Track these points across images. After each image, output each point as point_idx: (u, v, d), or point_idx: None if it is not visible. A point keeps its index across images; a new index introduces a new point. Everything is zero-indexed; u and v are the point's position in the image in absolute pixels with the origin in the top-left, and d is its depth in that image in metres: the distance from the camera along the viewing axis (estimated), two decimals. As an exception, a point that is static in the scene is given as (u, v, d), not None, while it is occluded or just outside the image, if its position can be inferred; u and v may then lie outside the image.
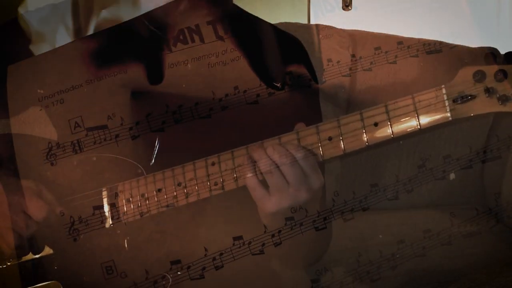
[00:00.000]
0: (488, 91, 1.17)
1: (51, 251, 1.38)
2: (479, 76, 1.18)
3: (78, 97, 1.37)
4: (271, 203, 1.28)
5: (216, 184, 1.31)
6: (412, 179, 1.36)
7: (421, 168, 1.36)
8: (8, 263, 1.38)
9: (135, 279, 1.31)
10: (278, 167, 1.26)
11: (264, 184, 1.29)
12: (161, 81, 1.38)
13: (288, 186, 1.26)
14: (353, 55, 1.50)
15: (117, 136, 1.33)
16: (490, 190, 1.71)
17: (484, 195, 1.76)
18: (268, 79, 1.36)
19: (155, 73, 1.38)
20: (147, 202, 1.34)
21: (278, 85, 1.37)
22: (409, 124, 1.22)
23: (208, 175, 1.31)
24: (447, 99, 1.19)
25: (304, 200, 1.27)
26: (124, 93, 1.37)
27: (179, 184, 1.32)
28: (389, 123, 1.23)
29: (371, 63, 1.40)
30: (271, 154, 1.27)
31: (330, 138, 1.27)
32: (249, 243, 1.31)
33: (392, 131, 1.23)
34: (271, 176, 1.27)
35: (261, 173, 1.28)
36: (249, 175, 1.28)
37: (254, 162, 1.28)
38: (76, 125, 1.33)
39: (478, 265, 1.63)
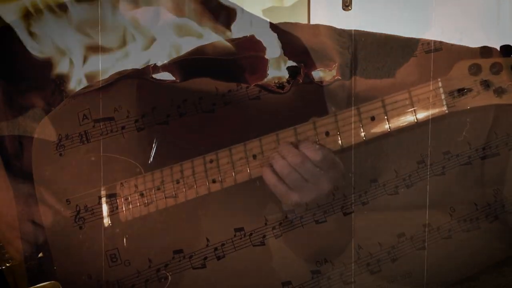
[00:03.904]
0: (484, 83, 1.19)
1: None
2: (475, 69, 1.19)
3: (88, 92, 1.39)
4: (296, 198, 1.28)
5: (214, 181, 1.32)
6: (411, 174, 1.37)
7: (421, 164, 1.38)
8: (9, 263, 1.39)
9: (139, 267, 1.33)
10: (292, 167, 1.26)
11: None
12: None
13: (307, 182, 1.27)
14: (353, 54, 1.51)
15: (123, 127, 1.34)
16: (489, 186, 1.72)
17: (483, 193, 1.77)
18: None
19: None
20: (146, 201, 1.36)
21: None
22: (406, 117, 1.23)
23: (206, 173, 1.33)
24: (443, 93, 1.20)
25: (328, 190, 1.28)
26: (130, 85, 1.39)
27: (177, 182, 1.34)
28: (386, 117, 1.24)
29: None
30: (284, 155, 1.27)
31: (327, 133, 1.28)
32: (250, 234, 1.32)
33: (389, 125, 1.24)
34: (287, 176, 1.27)
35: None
36: (267, 173, 1.28)
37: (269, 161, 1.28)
38: (84, 117, 1.35)
39: (478, 265, 1.64)
